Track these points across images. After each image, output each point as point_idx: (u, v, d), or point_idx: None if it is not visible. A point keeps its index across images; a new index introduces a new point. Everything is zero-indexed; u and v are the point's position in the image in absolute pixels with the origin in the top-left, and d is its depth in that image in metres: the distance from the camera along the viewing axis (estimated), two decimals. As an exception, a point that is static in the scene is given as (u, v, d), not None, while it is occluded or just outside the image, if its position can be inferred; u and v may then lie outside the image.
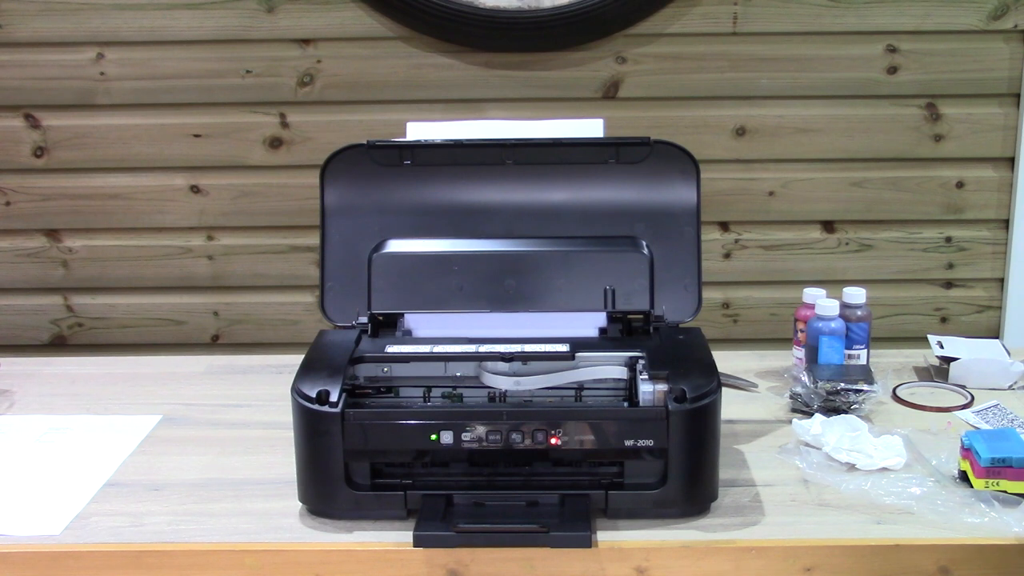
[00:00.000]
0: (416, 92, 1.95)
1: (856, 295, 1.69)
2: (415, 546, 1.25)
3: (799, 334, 1.72)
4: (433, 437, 1.27)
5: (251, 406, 1.66)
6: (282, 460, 1.40)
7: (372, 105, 1.96)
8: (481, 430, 1.27)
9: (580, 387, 1.37)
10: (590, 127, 1.57)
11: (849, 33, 1.92)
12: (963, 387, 1.68)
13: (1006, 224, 2.01)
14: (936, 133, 1.97)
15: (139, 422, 1.61)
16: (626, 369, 1.35)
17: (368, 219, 1.53)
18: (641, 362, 1.34)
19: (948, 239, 2.03)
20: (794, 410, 1.61)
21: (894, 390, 1.67)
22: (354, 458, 1.29)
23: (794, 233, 2.03)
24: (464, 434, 1.27)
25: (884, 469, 1.40)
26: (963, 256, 2.04)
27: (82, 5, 1.91)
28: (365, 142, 1.54)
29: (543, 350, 1.36)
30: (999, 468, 1.31)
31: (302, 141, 1.98)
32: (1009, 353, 1.74)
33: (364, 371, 1.38)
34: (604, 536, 1.27)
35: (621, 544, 1.26)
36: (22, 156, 1.99)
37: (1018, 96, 1.94)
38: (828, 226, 2.02)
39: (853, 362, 1.67)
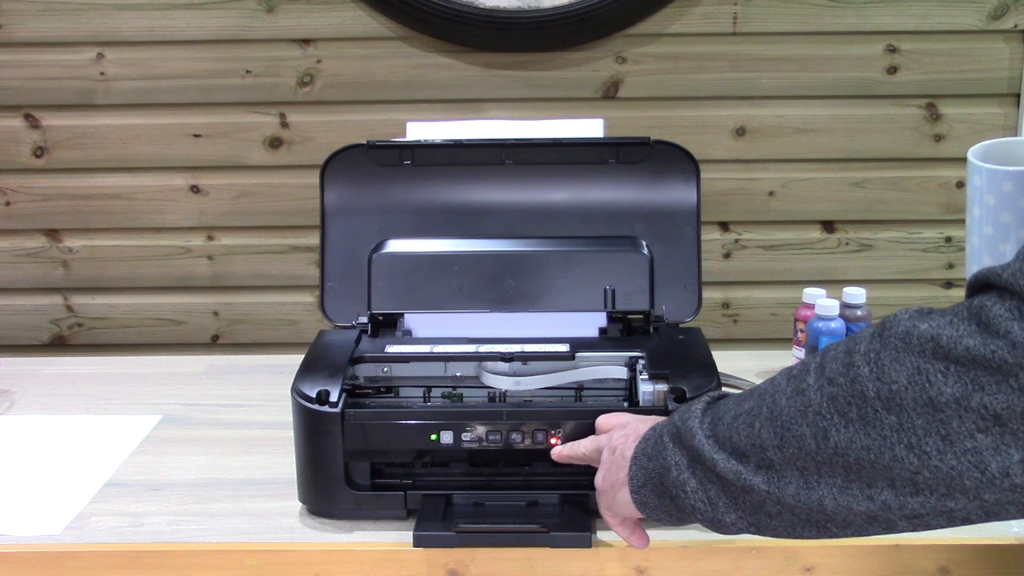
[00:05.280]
0: (416, 92, 1.95)
1: (856, 295, 1.69)
2: (415, 546, 1.25)
3: (799, 334, 1.72)
4: (433, 437, 1.27)
5: (251, 406, 1.66)
6: (282, 460, 1.40)
7: (372, 105, 1.95)
8: (481, 430, 1.27)
9: (580, 387, 1.37)
10: (590, 127, 1.57)
11: (849, 33, 1.92)
12: (963, 387, 1.68)
13: (1006, 224, 2.01)
14: (936, 133, 1.97)
15: (139, 422, 1.61)
16: (626, 369, 1.35)
17: (368, 219, 1.53)
18: (641, 362, 1.34)
19: (948, 239, 2.03)
20: (794, 410, 1.61)
21: (894, 390, 1.66)
22: (354, 458, 1.29)
23: (794, 233, 2.02)
24: (464, 434, 1.27)
25: (884, 469, 1.40)
26: (963, 256, 2.03)
27: (82, 5, 1.91)
28: (365, 142, 1.54)
29: (543, 350, 1.36)
30: (999, 468, 1.31)
31: (302, 141, 1.97)
32: (1009, 353, 1.74)
33: (364, 371, 1.38)
34: (604, 536, 1.27)
35: (621, 544, 1.25)
36: (22, 156, 1.99)
37: (1018, 96, 1.94)
38: (828, 226, 2.02)
39: (853, 362, 1.67)
